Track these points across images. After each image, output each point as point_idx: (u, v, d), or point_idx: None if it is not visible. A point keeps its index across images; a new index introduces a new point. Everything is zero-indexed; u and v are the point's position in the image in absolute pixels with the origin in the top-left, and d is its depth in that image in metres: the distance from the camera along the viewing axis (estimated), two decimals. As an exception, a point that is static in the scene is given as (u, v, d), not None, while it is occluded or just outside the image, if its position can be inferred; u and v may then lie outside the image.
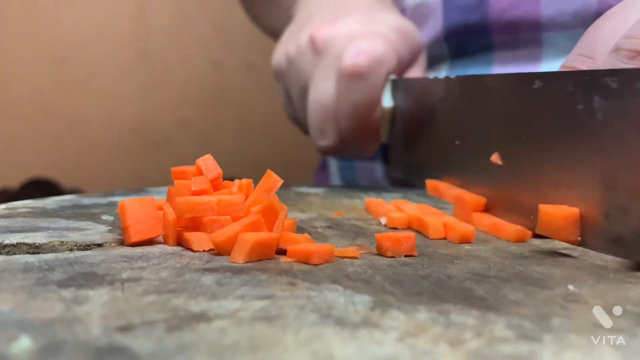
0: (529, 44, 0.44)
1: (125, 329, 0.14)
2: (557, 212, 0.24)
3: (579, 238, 0.24)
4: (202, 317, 0.15)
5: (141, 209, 0.24)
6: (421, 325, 0.15)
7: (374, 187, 0.45)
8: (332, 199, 0.38)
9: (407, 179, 0.44)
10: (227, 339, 0.14)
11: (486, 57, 0.47)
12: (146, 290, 0.18)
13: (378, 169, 0.55)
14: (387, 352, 0.14)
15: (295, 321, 0.15)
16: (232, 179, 0.28)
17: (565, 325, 0.16)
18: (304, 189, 0.41)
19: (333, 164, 0.61)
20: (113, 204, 0.33)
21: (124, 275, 0.19)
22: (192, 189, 0.25)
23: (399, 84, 0.41)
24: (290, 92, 0.46)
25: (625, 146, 0.22)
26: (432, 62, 0.50)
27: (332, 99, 0.41)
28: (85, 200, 0.34)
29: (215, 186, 0.26)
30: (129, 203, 0.24)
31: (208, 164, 0.27)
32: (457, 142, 0.34)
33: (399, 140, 0.42)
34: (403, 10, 0.51)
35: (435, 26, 0.48)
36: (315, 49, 0.42)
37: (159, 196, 0.32)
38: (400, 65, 0.42)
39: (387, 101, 0.41)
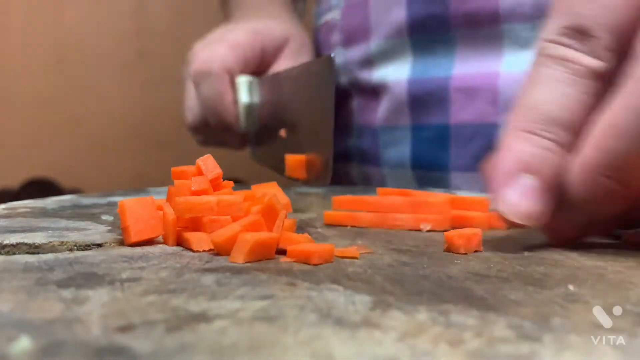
0: (490, 37, 0.44)
1: (125, 329, 0.14)
2: (294, 159, 0.34)
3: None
4: (202, 317, 0.15)
5: (141, 209, 0.24)
6: (421, 325, 0.15)
7: (375, 188, 0.45)
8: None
9: (263, 164, 0.53)
10: (227, 339, 0.14)
11: (447, 51, 0.47)
12: (146, 290, 0.18)
13: (354, 170, 0.56)
14: (387, 352, 0.14)
15: (295, 321, 0.15)
16: (232, 179, 0.28)
17: (565, 325, 0.16)
18: (304, 189, 0.41)
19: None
20: (113, 204, 0.33)
21: (124, 275, 0.19)
22: (192, 189, 0.25)
23: (254, 84, 0.51)
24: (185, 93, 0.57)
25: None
26: (394, 57, 0.50)
27: (195, 100, 0.52)
28: (85, 200, 0.34)
29: (215, 186, 0.26)
30: (129, 203, 0.24)
31: (208, 164, 0.27)
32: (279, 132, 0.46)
33: (255, 131, 0.52)
34: (366, 1, 0.51)
35: (398, 17, 0.48)
36: (188, 60, 0.53)
37: (159, 196, 0.32)
38: (249, 61, 0.51)
39: (244, 98, 0.50)
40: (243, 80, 0.50)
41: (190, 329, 0.15)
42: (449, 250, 0.25)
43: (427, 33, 0.47)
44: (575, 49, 0.24)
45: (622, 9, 0.23)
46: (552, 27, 0.25)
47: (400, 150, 0.50)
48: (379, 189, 0.34)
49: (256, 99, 0.50)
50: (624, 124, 0.21)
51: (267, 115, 0.49)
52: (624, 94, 0.22)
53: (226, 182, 0.27)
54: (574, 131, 0.24)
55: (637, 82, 0.21)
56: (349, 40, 0.53)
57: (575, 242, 0.26)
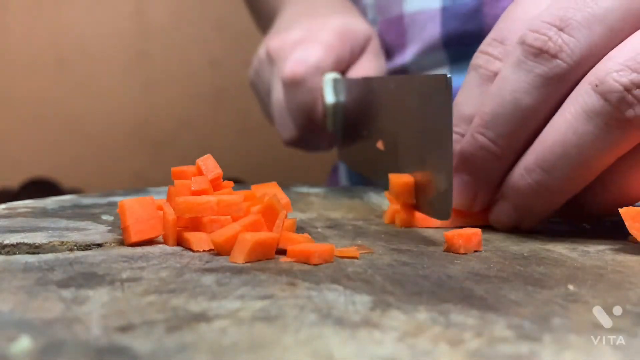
0: None
1: (125, 329, 0.14)
2: (398, 180, 0.30)
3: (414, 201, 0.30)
4: (202, 317, 0.15)
5: (141, 209, 0.24)
6: (421, 325, 0.15)
7: (375, 188, 0.45)
8: (332, 199, 0.38)
9: (350, 166, 0.50)
10: (227, 339, 0.14)
11: None
12: (146, 290, 0.18)
13: None
14: (387, 352, 0.14)
15: (295, 321, 0.15)
16: (232, 179, 0.28)
17: (565, 325, 0.16)
18: (304, 189, 0.41)
19: (342, 169, 0.62)
20: (113, 204, 0.33)
21: (124, 275, 0.19)
22: (192, 189, 0.25)
23: (339, 82, 0.47)
24: (263, 98, 0.53)
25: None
26: (431, 68, 0.51)
27: (285, 112, 0.48)
28: (85, 200, 0.34)
29: (215, 186, 0.26)
30: (129, 203, 0.24)
31: (208, 164, 0.27)
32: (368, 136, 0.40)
33: (342, 132, 0.48)
34: (401, 17, 0.52)
35: (433, 33, 0.49)
36: (270, 58, 0.48)
37: (159, 196, 0.32)
38: (340, 63, 0.47)
39: (330, 97, 0.46)
40: (329, 78, 0.46)
41: (190, 329, 0.15)
42: (448, 250, 0.25)
43: (463, 48, 0.48)
44: (491, 56, 0.29)
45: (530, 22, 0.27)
46: (484, 41, 0.30)
47: None
48: None
49: (342, 97, 0.46)
50: (493, 91, 0.28)
51: (354, 116, 0.45)
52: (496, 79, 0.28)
53: (226, 182, 0.27)
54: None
55: (504, 64, 0.28)
56: (387, 54, 0.54)
57: (515, 227, 0.29)
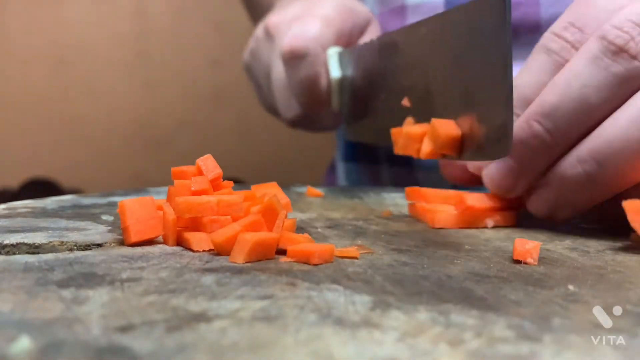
0: (529, 46, 0.45)
1: (125, 329, 0.14)
2: (443, 129, 0.28)
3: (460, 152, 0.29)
4: (202, 317, 0.15)
5: (141, 209, 0.24)
6: (421, 325, 0.15)
7: (374, 188, 0.45)
8: (332, 199, 0.38)
9: (364, 142, 0.47)
10: (227, 339, 0.14)
11: None
12: (146, 290, 0.18)
13: (383, 172, 0.56)
14: (387, 352, 0.14)
15: (295, 321, 0.15)
16: (232, 179, 0.28)
17: (565, 325, 0.16)
18: (304, 189, 0.41)
19: (340, 168, 0.61)
20: (113, 204, 0.33)
21: (124, 275, 0.19)
22: (192, 189, 0.25)
23: (344, 55, 0.44)
24: (259, 81, 0.50)
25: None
26: None
27: (288, 89, 0.46)
28: (85, 200, 0.34)
29: (215, 186, 0.26)
30: (129, 203, 0.24)
31: (208, 164, 0.27)
32: (388, 99, 0.37)
33: (349, 107, 0.45)
34: (403, 8, 0.51)
35: None
36: (269, 36, 0.46)
37: (159, 196, 0.32)
38: (341, 38, 0.45)
39: (335, 72, 0.44)
40: (333, 52, 0.44)
41: (190, 329, 0.15)
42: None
43: None
44: (567, 42, 0.28)
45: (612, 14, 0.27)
46: (558, 22, 0.29)
47: None
48: (408, 189, 0.34)
49: (348, 71, 0.44)
50: (560, 82, 0.27)
51: (365, 86, 0.42)
52: (566, 66, 0.27)
53: (226, 182, 0.27)
54: None
55: (577, 55, 0.27)
56: None
57: (552, 218, 0.29)
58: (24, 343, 0.13)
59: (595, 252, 0.25)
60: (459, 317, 0.16)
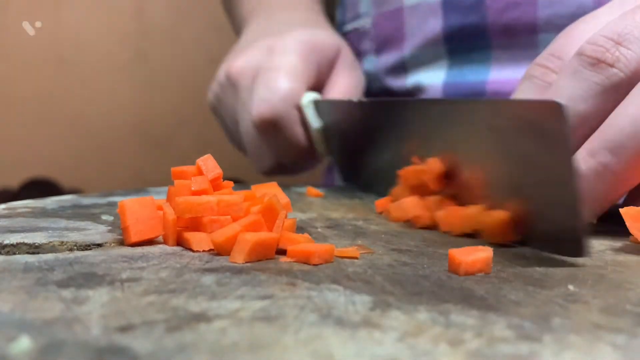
0: (526, 46, 0.45)
1: (125, 329, 0.14)
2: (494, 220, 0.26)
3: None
4: (202, 317, 0.15)
5: (141, 209, 0.24)
6: (421, 325, 0.15)
7: (374, 188, 0.45)
8: (332, 199, 0.38)
9: (358, 185, 0.44)
10: (227, 339, 0.14)
11: (484, 58, 0.47)
12: (146, 290, 0.18)
13: None
14: (387, 352, 0.14)
15: (295, 321, 0.15)
16: (232, 179, 0.28)
17: (565, 325, 0.16)
18: (304, 189, 0.41)
19: (336, 168, 0.61)
20: (113, 204, 0.33)
21: (124, 275, 0.19)
22: (192, 189, 0.25)
23: (321, 104, 0.43)
24: (227, 125, 0.50)
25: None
26: (429, 64, 0.50)
27: (261, 146, 0.44)
28: (85, 200, 0.34)
29: (215, 186, 0.26)
30: (129, 203, 0.24)
31: (208, 164, 0.27)
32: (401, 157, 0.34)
33: (339, 154, 0.44)
34: (400, 10, 0.51)
35: (434, 26, 0.48)
36: (232, 84, 0.45)
37: (159, 196, 0.32)
38: (310, 83, 0.44)
39: (315, 123, 0.43)
40: (308, 102, 0.42)
41: (190, 329, 0.15)
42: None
43: (464, 41, 0.48)
44: (547, 69, 0.30)
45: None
46: (540, 56, 0.31)
47: None
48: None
49: (329, 118, 0.42)
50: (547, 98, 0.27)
51: (344, 138, 0.41)
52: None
53: (226, 182, 0.27)
54: None
55: (560, 74, 0.28)
56: (382, 48, 0.53)
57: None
58: (24, 343, 0.13)
59: (595, 252, 0.25)
60: (459, 317, 0.16)
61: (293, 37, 0.45)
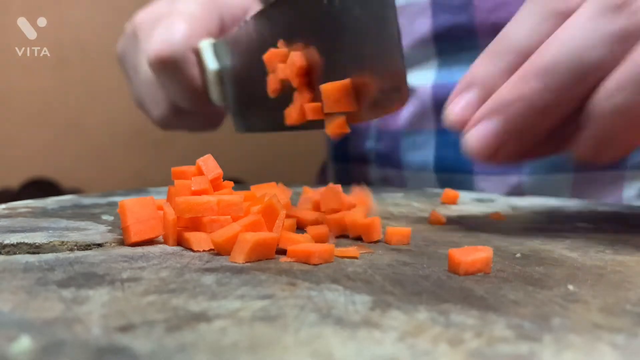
0: None
1: (125, 329, 0.14)
2: (333, 87, 0.26)
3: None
4: (202, 317, 0.15)
5: (141, 209, 0.24)
6: (421, 325, 0.15)
7: (373, 189, 0.45)
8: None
9: (254, 132, 0.44)
10: (227, 339, 0.14)
11: (473, 58, 0.47)
12: (146, 290, 0.18)
13: (372, 172, 0.56)
14: (387, 352, 0.14)
15: (295, 321, 0.15)
16: (232, 179, 0.28)
17: (565, 325, 0.16)
18: (300, 189, 0.41)
19: (330, 168, 0.62)
20: (113, 204, 0.33)
21: (124, 275, 0.19)
22: (192, 189, 0.25)
23: (219, 46, 0.42)
24: (129, 76, 0.50)
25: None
26: (419, 64, 0.50)
27: (157, 90, 0.45)
28: (85, 200, 0.34)
29: (215, 186, 0.26)
30: (129, 203, 0.24)
31: (208, 164, 0.27)
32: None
33: (234, 98, 0.43)
34: None
35: (423, 26, 0.48)
36: (134, 34, 0.46)
37: (159, 196, 0.32)
38: (211, 33, 0.44)
39: (211, 64, 0.42)
40: (206, 44, 0.42)
41: (190, 329, 0.15)
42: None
43: (453, 41, 0.47)
44: None
45: None
46: None
47: (423, 153, 0.50)
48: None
49: (227, 62, 0.41)
50: (563, 37, 0.25)
51: (246, 74, 0.39)
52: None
53: (226, 182, 0.27)
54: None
55: (580, 10, 0.26)
56: None
57: (598, 161, 0.27)
58: (24, 343, 0.13)
59: (595, 252, 0.25)
60: (459, 317, 0.16)
61: None
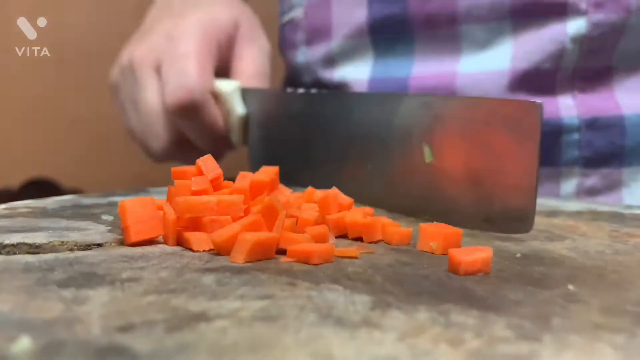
0: (448, 38, 0.45)
1: (125, 329, 0.14)
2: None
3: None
4: (202, 317, 0.15)
5: (141, 209, 0.24)
6: (421, 325, 0.15)
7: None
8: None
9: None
10: (227, 339, 0.14)
11: (407, 50, 0.47)
12: (146, 290, 0.18)
13: None
14: (387, 352, 0.14)
15: (295, 321, 0.15)
16: (232, 179, 0.28)
17: (565, 325, 0.16)
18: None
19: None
20: (113, 204, 0.33)
21: (124, 275, 0.19)
22: (192, 189, 0.25)
23: (249, 93, 0.44)
24: (124, 106, 0.51)
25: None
26: (355, 57, 0.50)
27: (159, 105, 0.45)
28: (85, 200, 0.34)
29: (215, 186, 0.26)
30: (129, 203, 0.24)
31: (208, 164, 0.27)
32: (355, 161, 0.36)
33: (258, 144, 0.44)
34: (329, 0, 0.50)
35: (360, 17, 0.48)
36: (132, 69, 0.47)
37: (159, 196, 0.32)
38: (216, 62, 0.45)
39: (240, 109, 0.44)
40: (234, 89, 0.44)
41: (190, 329, 0.15)
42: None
43: (387, 33, 0.48)
44: None
45: None
46: None
47: None
48: None
49: (254, 108, 0.43)
50: None
51: (269, 127, 0.42)
52: None
53: (226, 182, 0.27)
54: None
55: None
56: (312, 39, 0.53)
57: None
58: (24, 343, 0.13)
59: (595, 252, 0.25)
60: (459, 317, 0.16)
61: (190, 21, 0.46)
